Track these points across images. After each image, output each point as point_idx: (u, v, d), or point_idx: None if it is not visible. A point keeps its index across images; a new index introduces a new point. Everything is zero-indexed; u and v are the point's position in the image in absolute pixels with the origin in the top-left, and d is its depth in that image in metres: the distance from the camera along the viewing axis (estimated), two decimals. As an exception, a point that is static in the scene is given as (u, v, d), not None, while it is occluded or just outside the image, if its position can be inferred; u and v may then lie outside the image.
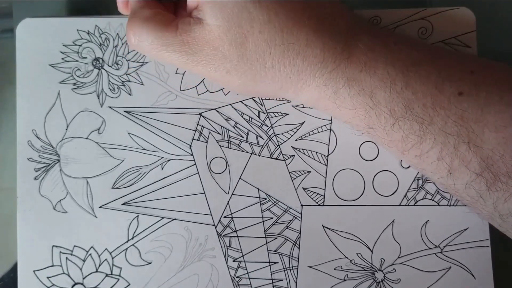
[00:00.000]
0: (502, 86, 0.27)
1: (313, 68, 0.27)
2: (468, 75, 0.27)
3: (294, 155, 0.34)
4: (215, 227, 0.33)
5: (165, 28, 0.28)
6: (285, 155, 0.34)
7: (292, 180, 0.33)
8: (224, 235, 0.33)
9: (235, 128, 0.34)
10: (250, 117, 0.34)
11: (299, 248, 0.33)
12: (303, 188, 0.33)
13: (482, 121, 0.26)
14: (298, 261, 0.33)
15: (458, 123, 0.26)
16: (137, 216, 0.33)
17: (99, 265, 0.33)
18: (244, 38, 0.26)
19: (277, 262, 0.33)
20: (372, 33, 0.28)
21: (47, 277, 0.33)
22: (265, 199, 0.33)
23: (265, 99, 0.34)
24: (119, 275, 0.33)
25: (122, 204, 0.33)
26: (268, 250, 0.33)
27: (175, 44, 0.27)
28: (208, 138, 0.34)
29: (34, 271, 0.33)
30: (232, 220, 0.33)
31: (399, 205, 0.33)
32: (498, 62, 0.29)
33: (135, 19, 0.28)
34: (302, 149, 0.34)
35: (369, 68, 0.27)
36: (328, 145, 0.34)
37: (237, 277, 0.33)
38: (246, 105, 0.34)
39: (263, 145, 0.34)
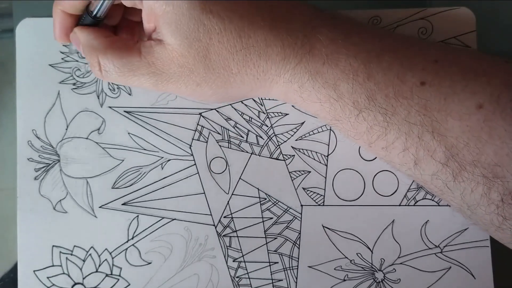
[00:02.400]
0: (467, 74, 0.26)
1: (277, 66, 0.27)
2: (432, 64, 0.27)
3: (294, 155, 0.34)
4: (215, 227, 0.33)
5: (129, 53, 0.28)
6: (285, 155, 0.34)
7: (292, 180, 0.33)
8: (224, 235, 0.33)
9: (235, 128, 0.34)
10: (250, 117, 0.34)
11: (299, 248, 0.33)
12: (303, 188, 0.33)
13: (446, 110, 0.26)
14: (298, 261, 0.33)
15: (421, 113, 0.26)
16: (137, 216, 0.33)
17: (99, 265, 0.33)
18: (206, 51, 0.27)
19: (277, 262, 0.33)
20: (333, 25, 0.28)
21: (47, 277, 0.33)
22: (265, 199, 0.33)
23: (264, 99, 0.34)
24: (119, 275, 0.33)
25: (122, 204, 0.33)
26: (268, 250, 0.33)
27: (141, 67, 0.28)
28: (208, 138, 0.34)
29: (34, 271, 0.33)
30: (232, 220, 0.33)
31: (399, 205, 0.33)
32: (466, 49, 0.28)
33: (94, 50, 0.28)
34: (302, 149, 0.34)
35: (331, 60, 0.27)
36: (328, 145, 0.34)
37: (237, 277, 0.33)
38: (246, 105, 0.34)
39: (263, 145, 0.34)
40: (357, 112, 0.27)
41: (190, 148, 0.34)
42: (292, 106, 0.34)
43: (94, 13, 0.28)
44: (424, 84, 0.26)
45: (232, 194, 0.33)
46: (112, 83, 0.34)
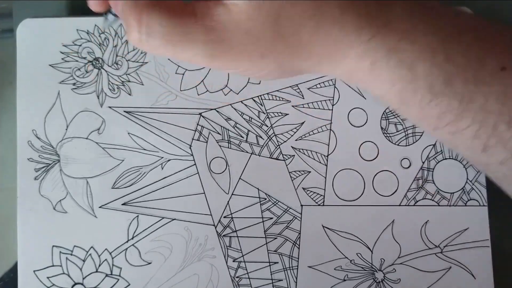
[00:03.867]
0: None
1: (349, 37, 0.24)
2: (511, 48, 0.24)
3: (294, 155, 0.34)
4: (215, 227, 0.33)
5: (181, 13, 0.23)
6: (285, 155, 0.34)
7: (292, 180, 0.33)
8: (224, 235, 0.33)
9: (235, 128, 0.34)
10: (250, 117, 0.34)
11: (299, 248, 0.33)
12: (303, 188, 0.33)
13: None
14: (298, 261, 0.33)
15: (500, 101, 0.24)
16: (137, 216, 0.33)
17: (99, 265, 0.33)
18: (276, 14, 0.23)
19: (277, 262, 0.33)
20: None
21: (47, 277, 0.33)
22: (265, 199, 0.33)
23: (266, 99, 0.34)
24: (119, 275, 0.33)
25: (122, 204, 0.33)
26: (268, 250, 0.33)
27: (197, 32, 0.23)
28: (208, 138, 0.34)
29: (34, 271, 0.33)
30: (232, 220, 0.33)
31: (399, 205, 0.33)
32: None
33: (137, 4, 0.23)
34: (302, 149, 0.34)
35: (409, 36, 0.24)
36: (328, 145, 0.34)
37: (237, 277, 0.33)
38: (246, 105, 0.34)
39: (263, 145, 0.34)
40: (431, 96, 0.24)
41: (190, 148, 0.34)
42: (293, 106, 0.34)
43: None
44: (505, 69, 0.24)
45: (232, 194, 0.33)
46: (112, 83, 0.34)
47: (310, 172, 0.33)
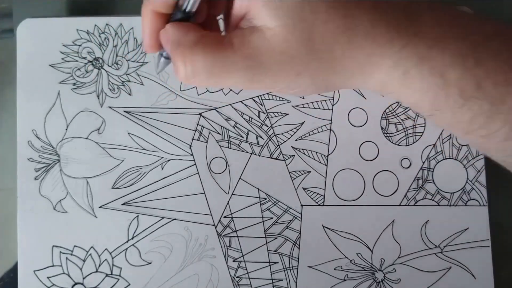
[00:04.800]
0: None
1: (381, 48, 0.25)
2: None
3: (294, 155, 0.34)
4: (215, 227, 0.33)
5: (220, 47, 0.24)
6: (285, 155, 0.34)
7: (292, 180, 0.33)
8: (224, 235, 0.33)
9: (235, 128, 0.34)
10: (250, 117, 0.34)
11: (299, 248, 0.33)
12: (303, 188, 0.33)
13: None
14: (298, 261, 0.33)
15: None
16: (137, 216, 0.33)
17: (99, 265, 0.33)
18: (310, 33, 0.24)
19: (277, 262, 0.33)
20: (435, 7, 0.26)
21: (47, 277, 0.33)
22: (265, 199, 0.33)
23: (266, 99, 0.34)
24: (119, 275, 0.33)
25: (122, 204, 0.33)
26: (268, 250, 0.33)
27: (236, 61, 0.24)
28: (208, 138, 0.34)
29: (34, 271, 0.33)
30: (232, 220, 0.33)
31: (399, 205, 0.33)
32: None
33: (183, 46, 0.25)
34: (302, 149, 0.34)
35: (439, 44, 0.25)
36: (328, 145, 0.34)
37: (237, 277, 0.33)
38: (246, 105, 0.34)
39: (263, 145, 0.34)
40: (463, 101, 0.25)
41: (190, 148, 0.34)
42: (293, 106, 0.34)
43: (185, 6, 0.25)
44: None
45: (232, 194, 0.33)
46: (112, 83, 0.34)
47: (310, 172, 0.33)
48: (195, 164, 0.34)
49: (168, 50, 0.26)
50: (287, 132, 0.34)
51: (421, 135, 0.34)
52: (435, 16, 0.25)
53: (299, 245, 0.33)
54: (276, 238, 0.33)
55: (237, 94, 0.34)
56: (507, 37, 0.25)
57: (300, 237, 0.33)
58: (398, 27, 0.25)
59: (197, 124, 0.34)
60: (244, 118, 0.34)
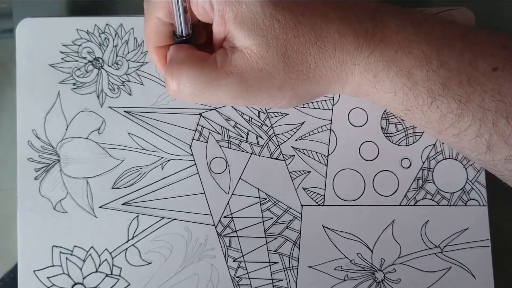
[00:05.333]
0: None
1: (352, 56, 0.27)
2: (500, 50, 0.27)
3: (294, 155, 0.34)
4: (215, 227, 0.33)
5: (204, 64, 0.27)
6: (285, 155, 0.34)
7: (292, 180, 0.33)
8: (224, 235, 0.33)
9: (235, 128, 0.34)
10: (250, 117, 0.34)
11: (299, 248, 0.33)
12: (303, 188, 0.33)
13: None
14: (298, 261, 0.33)
15: (495, 98, 0.26)
16: (137, 216, 0.33)
17: (99, 265, 0.33)
18: (284, 48, 0.26)
19: (277, 262, 0.33)
20: (400, 13, 0.28)
21: (47, 277, 0.33)
22: (265, 199, 0.33)
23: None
24: (119, 275, 0.33)
25: (122, 204, 0.33)
26: (268, 250, 0.33)
27: (218, 78, 0.26)
28: (208, 138, 0.34)
29: (34, 271, 0.33)
30: (232, 220, 0.33)
31: (399, 205, 0.33)
32: None
33: (172, 62, 0.27)
34: (302, 149, 0.34)
35: (404, 48, 0.27)
36: (328, 145, 0.34)
37: (237, 277, 0.33)
38: (246, 105, 0.34)
39: (263, 145, 0.34)
40: (431, 100, 0.27)
41: (190, 148, 0.34)
42: (293, 107, 0.34)
43: (177, 32, 0.28)
44: (496, 70, 0.26)
45: (232, 194, 0.33)
46: (112, 83, 0.34)
47: (310, 172, 0.33)
48: (195, 164, 0.34)
49: (163, 67, 0.29)
50: (287, 132, 0.34)
51: (421, 135, 0.34)
52: (400, 22, 0.27)
53: (299, 245, 0.33)
54: (276, 238, 0.33)
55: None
56: (470, 39, 0.27)
57: (300, 237, 0.33)
58: (365, 35, 0.27)
59: (197, 124, 0.34)
60: (244, 118, 0.34)
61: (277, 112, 0.34)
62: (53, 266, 0.33)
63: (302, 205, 0.33)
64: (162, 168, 0.34)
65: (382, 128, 0.34)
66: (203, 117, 0.34)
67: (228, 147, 0.34)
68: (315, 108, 0.34)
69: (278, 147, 0.34)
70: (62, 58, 0.34)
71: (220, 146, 0.34)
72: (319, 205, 0.33)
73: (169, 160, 0.34)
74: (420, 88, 0.27)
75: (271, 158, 0.34)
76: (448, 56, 0.27)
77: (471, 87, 0.26)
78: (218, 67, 0.27)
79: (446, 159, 0.33)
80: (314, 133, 0.34)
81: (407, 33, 0.27)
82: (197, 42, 0.30)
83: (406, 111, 0.28)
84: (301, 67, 0.27)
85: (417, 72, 0.27)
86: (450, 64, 0.26)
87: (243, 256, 0.33)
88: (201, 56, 0.27)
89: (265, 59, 0.26)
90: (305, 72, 0.27)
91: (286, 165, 0.34)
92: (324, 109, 0.34)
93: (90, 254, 0.33)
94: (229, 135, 0.34)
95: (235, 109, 0.34)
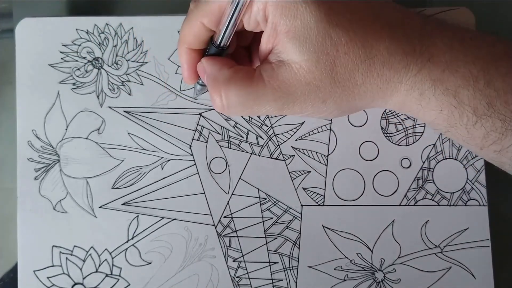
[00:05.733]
0: None
1: (399, 74, 0.27)
2: None
3: (294, 155, 0.34)
4: (215, 227, 0.33)
5: (251, 82, 0.27)
6: (285, 155, 0.34)
7: (292, 180, 0.33)
8: (224, 235, 0.33)
9: (235, 128, 0.34)
10: (250, 117, 0.34)
11: (299, 248, 0.33)
12: (303, 188, 0.33)
13: None
14: (298, 261, 0.33)
15: None
16: (137, 216, 0.33)
17: (99, 265, 0.33)
18: (332, 64, 0.26)
19: (277, 262, 0.33)
20: (446, 30, 0.28)
21: (47, 277, 0.33)
22: (265, 199, 0.33)
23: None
24: (119, 275, 0.33)
25: (122, 204, 0.33)
26: (268, 250, 0.33)
27: (266, 94, 0.27)
28: (208, 138, 0.34)
29: (34, 271, 0.33)
30: (232, 220, 0.33)
31: (399, 205, 0.33)
32: None
33: (218, 81, 0.27)
34: (302, 149, 0.34)
35: (451, 67, 0.27)
36: (328, 145, 0.34)
37: (237, 277, 0.33)
38: (246, 105, 0.34)
39: (263, 145, 0.34)
40: (476, 119, 0.27)
41: (190, 148, 0.34)
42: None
43: (218, 42, 0.28)
44: None
45: (232, 194, 0.33)
46: (112, 83, 0.34)
47: (310, 172, 0.33)
48: (195, 164, 0.34)
49: (205, 81, 0.29)
50: (287, 132, 0.34)
51: (421, 135, 0.34)
52: (448, 41, 0.27)
53: (299, 245, 0.33)
54: (276, 238, 0.33)
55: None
56: None
57: (300, 237, 0.33)
58: (413, 54, 0.27)
59: (197, 124, 0.34)
60: (244, 118, 0.34)
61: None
62: (53, 266, 0.33)
63: (302, 205, 0.33)
64: (162, 168, 0.34)
65: (382, 128, 0.34)
66: (203, 117, 0.34)
67: (228, 147, 0.34)
68: (315, 108, 0.34)
69: (278, 147, 0.34)
70: (61, 58, 0.34)
71: (220, 146, 0.34)
72: (319, 205, 0.33)
73: (169, 160, 0.34)
74: (465, 106, 0.27)
75: (271, 158, 0.34)
76: (495, 75, 0.27)
77: None
78: (265, 82, 0.27)
79: (446, 159, 0.33)
80: (314, 133, 0.34)
81: (454, 52, 0.27)
82: (228, 52, 0.29)
83: (450, 127, 0.28)
84: (347, 83, 0.27)
85: (463, 91, 0.27)
86: (496, 84, 0.27)
87: (243, 256, 0.33)
88: (246, 73, 0.27)
89: (313, 74, 0.26)
90: (351, 88, 0.27)
91: (286, 165, 0.34)
92: (324, 109, 0.34)
93: (90, 254, 0.33)
94: (229, 135, 0.34)
95: (235, 109, 0.34)
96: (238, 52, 0.31)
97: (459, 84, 0.27)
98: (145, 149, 0.34)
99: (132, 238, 0.33)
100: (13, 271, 0.34)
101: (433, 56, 0.27)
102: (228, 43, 0.28)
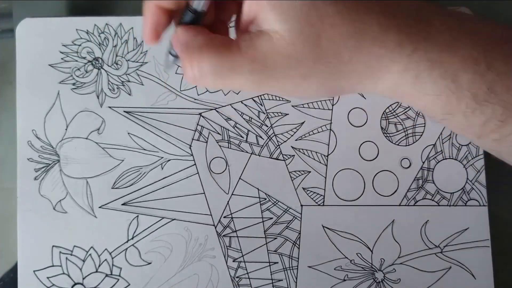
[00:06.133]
0: None
1: (391, 52, 0.25)
2: None
3: (294, 155, 0.34)
4: (215, 227, 0.33)
5: (227, 50, 0.25)
6: (285, 155, 0.34)
7: (292, 180, 0.33)
8: (224, 235, 0.33)
9: (235, 128, 0.34)
10: (250, 117, 0.34)
11: (299, 248, 0.33)
12: (303, 188, 0.33)
13: None
14: (298, 261, 0.33)
15: None
16: (137, 216, 0.33)
17: (99, 265, 0.33)
18: (317, 37, 0.24)
19: (277, 262, 0.33)
20: (444, 12, 0.26)
21: (47, 277, 0.33)
22: (265, 199, 0.33)
23: (266, 99, 0.34)
24: (119, 275, 0.33)
25: (122, 204, 0.33)
26: (268, 250, 0.33)
27: (243, 64, 0.25)
28: (208, 138, 0.34)
29: (34, 271, 0.33)
30: (232, 220, 0.33)
31: (399, 205, 0.33)
32: None
33: (191, 49, 0.25)
34: (302, 149, 0.34)
35: (450, 48, 0.25)
36: (328, 145, 0.34)
37: (237, 277, 0.33)
38: (246, 105, 0.34)
39: (263, 145, 0.34)
40: (475, 105, 0.25)
41: (190, 148, 0.34)
42: (293, 106, 0.34)
43: (194, 5, 0.25)
44: None
45: (232, 194, 0.33)
46: (112, 83, 0.34)
47: (310, 172, 0.33)
48: (195, 164, 0.34)
49: (178, 51, 0.26)
50: (287, 132, 0.34)
51: (421, 135, 0.34)
52: (447, 21, 0.25)
53: (299, 245, 0.33)
54: (276, 238, 0.33)
55: (237, 94, 0.34)
56: None
57: (300, 237, 0.33)
58: (408, 32, 0.25)
59: (197, 124, 0.34)
60: (244, 118, 0.34)
61: (277, 112, 0.34)
62: (53, 266, 0.33)
63: (302, 205, 0.33)
64: (162, 168, 0.34)
65: (382, 128, 0.34)
66: (203, 117, 0.34)
67: (228, 147, 0.34)
68: (315, 108, 0.34)
69: (278, 147, 0.34)
70: (62, 58, 0.34)
71: (220, 146, 0.34)
72: (319, 205, 0.33)
73: (169, 160, 0.34)
74: (464, 92, 0.25)
75: (271, 158, 0.34)
76: (496, 58, 0.25)
77: None
78: (242, 52, 0.25)
79: (446, 159, 0.33)
80: (314, 133, 0.34)
81: (452, 33, 0.25)
82: (204, 24, 0.27)
83: (447, 115, 0.27)
84: (332, 59, 0.25)
85: (462, 75, 0.25)
86: (498, 68, 0.25)
87: (243, 256, 0.33)
88: (223, 41, 0.25)
89: (294, 46, 0.24)
90: (336, 65, 0.25)
91: (286, 165, 0.34)
92: (324, 109, 0.34)
93: (90, 254, 0.33)
94: (229, 135, 0.34)
95: (234, 109, 0.34)
96: (218, 27, 0.29)
97: (458, 67, 0.25)
98: (145, 149, 0.34)
99: (132, 238, 0.33)
100: (13, 271, 0.34)
101: (430, 35, 0.25)
102: (205, 8, 0.26)
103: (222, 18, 0.29)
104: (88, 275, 0.33)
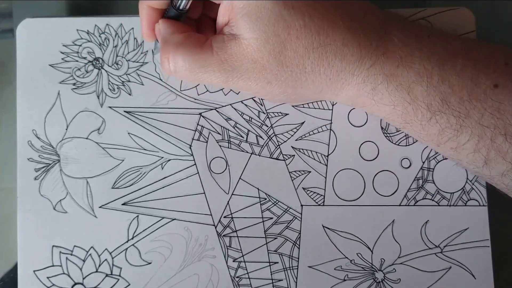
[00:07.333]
0: None
1: (351, 66, 0.27)
2: (503, 67, 0.27)
3: (294, 155, 0.34)
4: (215, 227, 0.33)
5: (200, 49, 0.28)
6: (285, 155, 0.34)
7: (292, 180, 0.33)
8: (224, 235, 0.33)
9: (235, 128, 0.34)
10: (250, 117, 0.34)
11: (299, 248, 0.33)
12: (303, 188, 0.33)
13: None
14: (298, 261, 0.33)
15: (494, 116, 0.26)
16: (137, 216, 0.33)
17: (99, 265, 0.33)
18: (282, 46, 0.26)
19: (277, 262, 0.33)
20: (405, 27, 0.28)
21: (47, 277, 0.33)
22: (265, 199, 0.33)
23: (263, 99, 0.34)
24: (119, 275, 0.33)
25: (122, 204, 0.33)
26: (268, 250, 0.33)
27: (213, 64, 0.27)
28: (208, 138, 0.34)
29: (34, 271, 0.33)
30: (232, 220, 0.33)
31: (399, 205, 0.33)
32: None
33: (168, 45, 0.28)
34: (302, 149, 0.34)
35: (406, 62, 0.27)
36: (328, 145, 0.34)
37: (237, 277, 0.33)
38: (246, 105, 0.34)
39: (263, 145, 0.34)
40: (430, 115, 0.27)
41: (190, 148, 0.34)
42: (293, 106, 0.34)
43: (177, 5, 0.29)
44: (497, 86, 0.26)
45: (232, 194, 0.33)
46: (112, 83, 0.34)
47: (310, 172, 0.33)
48: (195, 164, 0.34)
49: (159, 43, 0.29)
50: (287, 132, 0.34)
51: (421, 135, 0.34)
52: (404, 37, 0.27)
53: (299, 245, 0.33)
54: (276, 238, 0.33)
55: (237, 94, 0.34)
56: (472, 54, 0.27)
57: (300, 237, 0.33)
58: (369, 47, 0.27)
59: (197, 124, 0.34)
60: (244, 118, 0.34)
61: (277, 112, 0.34)
62: (53, 266, 0.33)
63: (302, 205, 0.33)
64: (162, 168, 0.34)
65: (382, 128, 0.34)
66: (203, 117, 0.34)
67: (228, 147, 0.34)
68: (315, 108, 0.34)
69: (278, 147, 0.34)
70: (62, 58, 0.34)
71: (220, 146, 0.34)
72: (319, 205, 0.33)
73: (169, 160, 0.34)
74: (419, 102, 0.27)
75: (271, 158, 0.34)
76: (449, 72, 0.27)
77: (471, 104, 0.26)
78: (213, 53, 0.27)
79: (446, 159, 0.33)
80: (314, 133, 0.34)
81: (410, 48, 0.27)
82: (190, 17, 0.30)
83: (405, 123, 0.28)
84: (295, 68, 0.27)
85: (417, 87, 0.27)
86: (451, 80, 0.26)
87: (243, 256, 0.33)
88: (197, 40, 0.28)
89: (260, 53, 0.26)
90: (299, 74, 0.27)
91: (286, 165, 0.34)
92: (324, 109, 0.34)
93: (90, 254, 0.33)
94: (229, 135, 0.34)
95: (235, 109, 0.34)
96: (204, 21, 0.31)
97: (413, 80, 0.27)
98: (145, 149, 0.34)
99: (132, 238, 0.33)
100: (13, 271, 0.34)
101: (388, 51, 0.27)
102: (187, 7, 0.29)
103: (209, 15, 0.31)
104: (88, 275, 0.33)
